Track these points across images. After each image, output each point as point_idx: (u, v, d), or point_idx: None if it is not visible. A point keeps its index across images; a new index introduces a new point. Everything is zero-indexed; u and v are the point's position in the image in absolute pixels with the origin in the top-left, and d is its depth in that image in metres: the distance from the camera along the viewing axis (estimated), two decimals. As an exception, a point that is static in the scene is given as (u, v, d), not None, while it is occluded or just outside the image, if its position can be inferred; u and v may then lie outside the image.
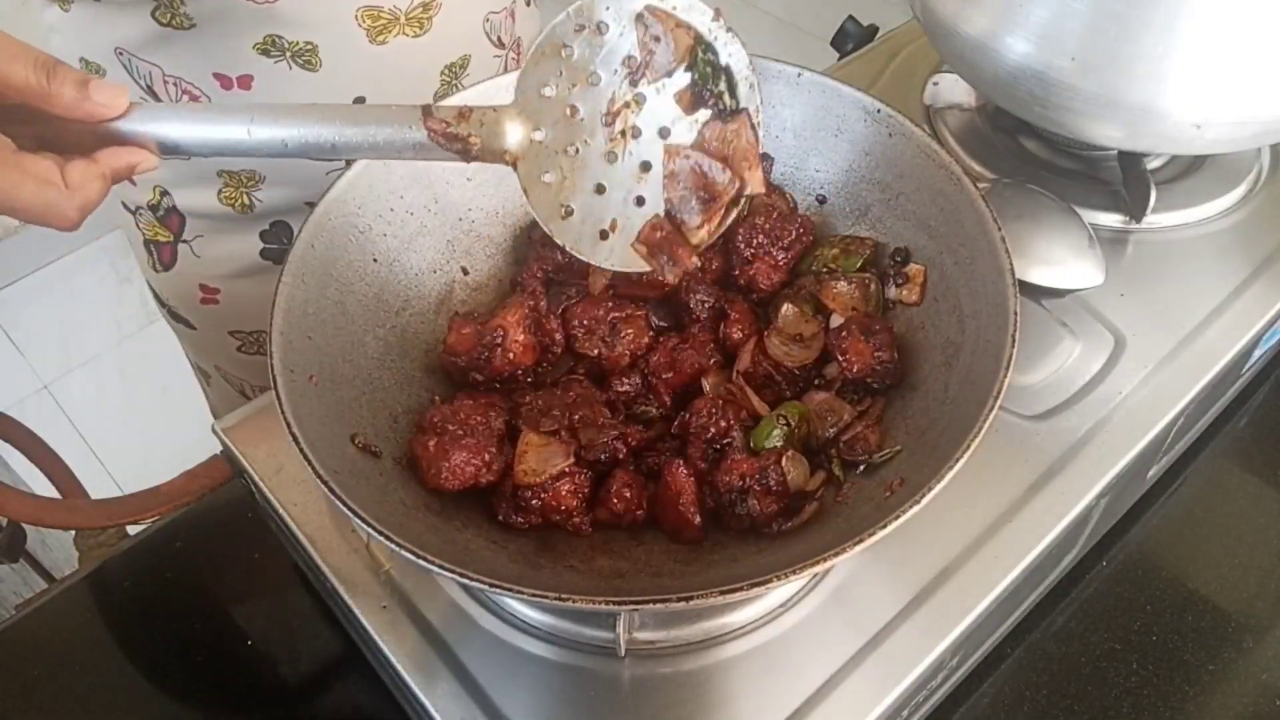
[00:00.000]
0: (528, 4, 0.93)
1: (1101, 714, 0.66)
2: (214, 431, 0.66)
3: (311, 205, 0.86)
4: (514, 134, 0.55)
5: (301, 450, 0.48)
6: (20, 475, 1.09)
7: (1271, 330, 0.75)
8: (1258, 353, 0.78)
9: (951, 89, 0.88)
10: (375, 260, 0.63)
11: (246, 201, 0.87)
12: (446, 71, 0.85)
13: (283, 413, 0.50)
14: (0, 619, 0.69)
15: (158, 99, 0.80)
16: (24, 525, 0.83)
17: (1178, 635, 0.70)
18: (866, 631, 0.57)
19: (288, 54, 0.76)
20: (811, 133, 0.68)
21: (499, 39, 0.88)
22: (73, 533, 0.87)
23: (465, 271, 0.68)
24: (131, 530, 0.74)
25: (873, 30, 0.99)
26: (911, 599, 0.58)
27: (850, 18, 1.00)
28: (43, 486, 0.78)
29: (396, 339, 0.63)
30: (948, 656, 0.58)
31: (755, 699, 0.55)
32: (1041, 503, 0.62)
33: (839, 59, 0.98)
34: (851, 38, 0.99)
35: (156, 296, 0.99)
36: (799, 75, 0.66)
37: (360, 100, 0.81)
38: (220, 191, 0.86)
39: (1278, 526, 0.75)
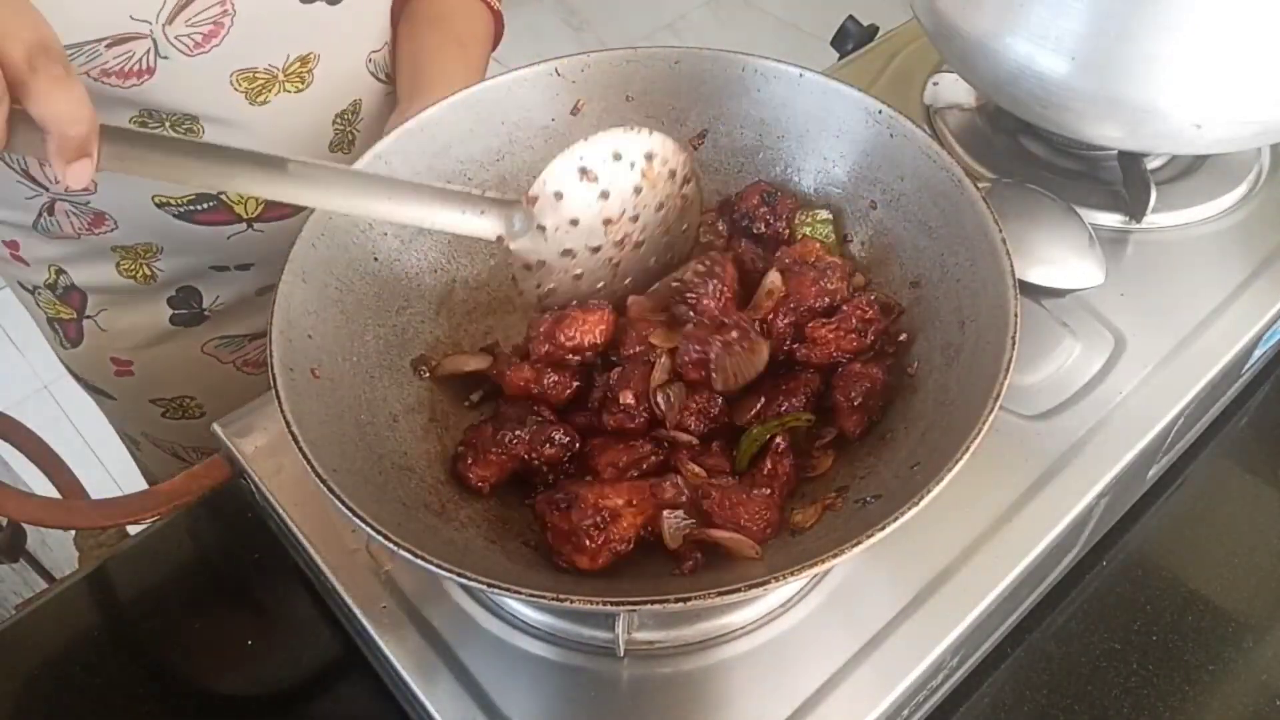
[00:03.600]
0: None
1: (1101, 714, 0.66)
2: (214, 431, 0.66)
3: (217, 269, 0.85)
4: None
5: (301, 450, 0.48)
6: (20, 475, 1.09)
7: (1271, 330, 0.75)
8: (1258, 353, 0.78)
9: (951, 89, 0.88)
10: (376, 259, 0.63)
11: (148, 272, 0.85)
12: (339, 120, 0.82)
13: (282, 412, 0.50)
14: (0, 619, 0.69)
15: (36, 182, 0.77)
16: (24, 525, 0.83)
17: (1178, 635, 0.70)
18: (866, 632, 0.57)
19: (167, 124, 0.73)
20: (812, 134, 0.68)
21: (386, 75, 0.86)
22: (73, 533, 0.87)
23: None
24: (131, 530, 0.74)
25: (873, 30, 0.99)
26: (911, 599, 0.58)
27: (850, 18, 1.00)
28: (43, 486, 0.78)
29: (396, 338, 0.63)
30: (948, 656, 0.58)
31: (755, 699, 0.55)
32: (1041, 503, 0.62)
33: (839, 59, 0.98)
34: (851, 38, 0.99)
35: (71, 371, 0.96)
36: (800, 76, 0.66)
37: None
38: (118, 265, 0.84)
39: (1278, 526, 0.75)
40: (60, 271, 0.85)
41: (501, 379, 0.61)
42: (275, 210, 0.83)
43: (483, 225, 0.58)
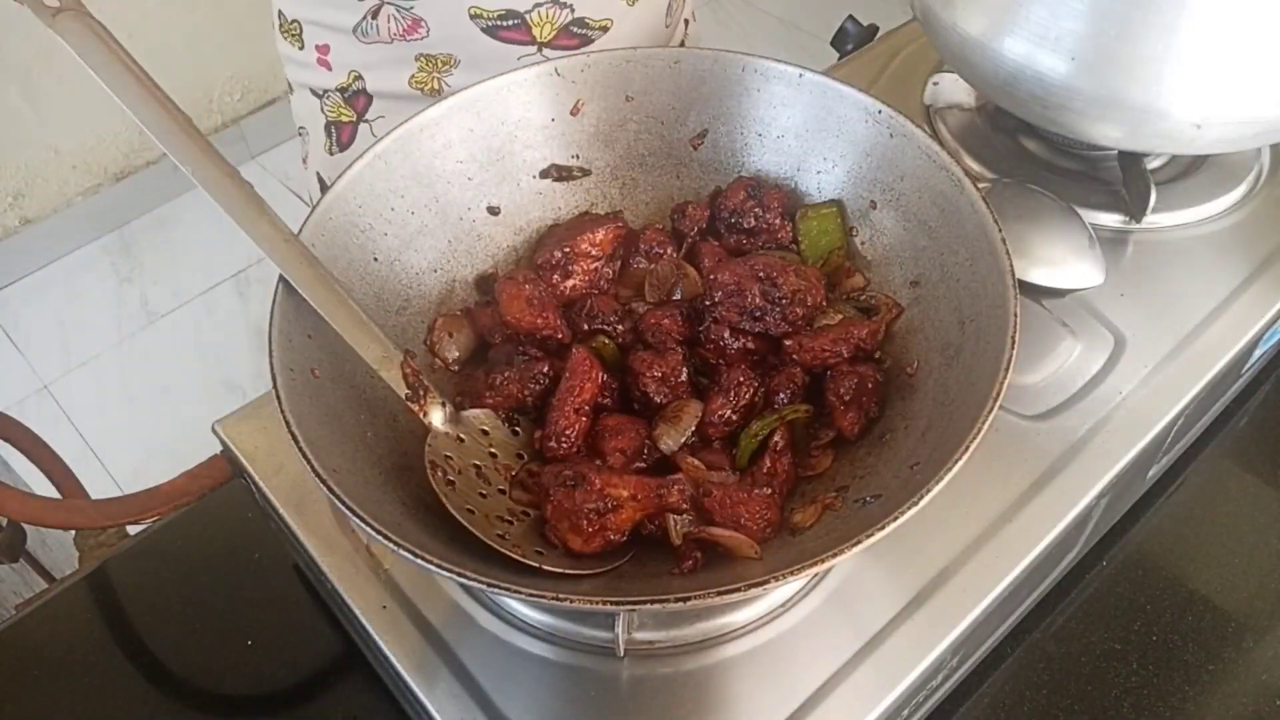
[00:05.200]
0: None
1: (1101, 714, 0.66)
2: (214, 431, 0.66)
3: None
4: (437, 417, 0.58)
5: (301, 450, 0.48)
6: (20, 475, 1.09)
7: (1271, 330, 0.75)
8: (1258, 353, 0.78)
9: (951, 89, 0.88)
10: (376, 259, 0.63)
11: (436, 86, 0.89)
12: None
13: (283, 412, 0.50)
14: (0, 619, 0.69)
15: None
16: (24, 525, 0.83)
17: (1178, 635, 0.70)
18: (866, 632, 0.57)
19: None
20: (812, 134, 0.68)
21: None
22: (73, 533, 0.87)
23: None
24: (131, 530, 0.74)
25: (873, 30, 0.99)
26: (911, 599, 0.58)
27: (850, 18, 1.00)
28: (43, 486, 0.78)
29: (396, 338, 0.63)
30: (948, 656, 0.58)
31: (755, 699, 0.55)
32: (1041, 503, 0.62)
33: (839, 59, 0.98)
34: (851, 38, 0.99)
35: (324, 184, 0.99)
36: (800, 76, 0.66)
37: None
38: (413, 76, 0.89)
39: (1278, 526, 0.75)
40: (358, 76, 0.91)
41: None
42: (565, 39, 0.88)
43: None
